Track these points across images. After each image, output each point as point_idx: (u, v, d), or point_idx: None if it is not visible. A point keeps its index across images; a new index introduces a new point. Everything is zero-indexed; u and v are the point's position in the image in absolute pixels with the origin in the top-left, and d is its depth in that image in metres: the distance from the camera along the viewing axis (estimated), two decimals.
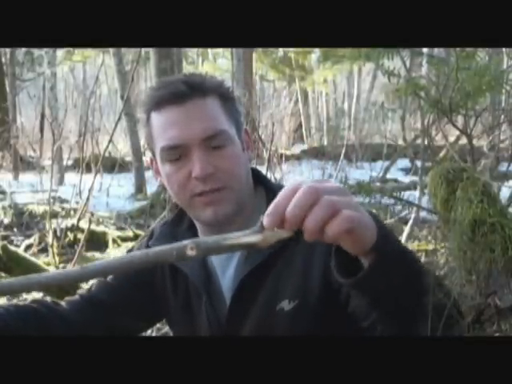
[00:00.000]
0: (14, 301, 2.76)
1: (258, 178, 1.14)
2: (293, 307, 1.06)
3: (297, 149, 11.33)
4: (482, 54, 1.26)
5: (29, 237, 4.69)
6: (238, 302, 1.09)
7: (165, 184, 1.09)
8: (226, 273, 1.11)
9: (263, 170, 4.29)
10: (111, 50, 7.87)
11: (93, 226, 4.25)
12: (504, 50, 3.41)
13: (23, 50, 11.00)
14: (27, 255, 3.34)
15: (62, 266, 4.01)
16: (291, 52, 12.95)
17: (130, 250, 1.27)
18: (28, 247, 4.38)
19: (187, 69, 12.87)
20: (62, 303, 1.18)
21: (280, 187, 1.10)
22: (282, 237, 0.67)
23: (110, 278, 1.20)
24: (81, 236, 3.98)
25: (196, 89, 1.03)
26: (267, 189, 1.13)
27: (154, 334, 2.80)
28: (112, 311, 1.19)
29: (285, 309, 1.06)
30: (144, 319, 1.26)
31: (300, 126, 13.62)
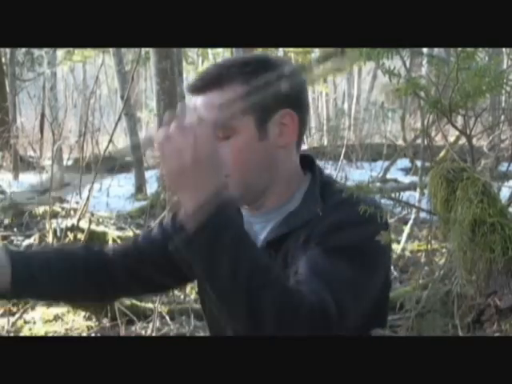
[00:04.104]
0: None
1: (307, 165, 1.16)
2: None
3: None
4: (482, 55, 1.26)
5: (29, 237, 4.68)
6: None
7: None
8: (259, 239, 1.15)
9: None
10: (111, 49, 7.86)
11: (93, 226, 4.24)
12: (504, 50, 3.42)
13: (23, 50, 10.98)
14: None
15: None
16: (291, 52, 12.94)
17: (161, 222, 1.31)
18: (28, 247, 4.37)
19: (187, 69, 12.87)
20: (108, 248, 1.28)
21: (328, 177, 1.16)
22: None
23: (154, 232, 1.27)
24: (81, 236, 3.97)
25: (214, 81, 1.07)
26: (313, 176, 1.15)
27: (153, 334, 2.80)
28: (151, 265, 1.24)
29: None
30: (178, 278, 1.30)
31: None
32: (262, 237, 1.13)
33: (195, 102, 1.09)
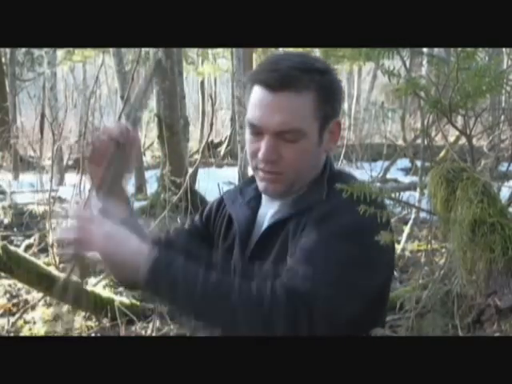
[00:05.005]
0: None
1: (325, 165, 1.22)
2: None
3: None
4: (482, 54, 1.26)
5: (29, 237, 4.68)
6: (257, 252, 1.18)
7: None
8: (263, 224, 1.21)
9: None
10: (111, 49, 7.86)
11: None
12: (504, 49, 3.42)
13: (23, 49, 10.98)
14: (27, 255, 3.33)
15: (61, 266, 4.01)
16: None
17: (202, 210, 1.36)
18: (28, 247, 4.38)
19: (187, 69, 12.86)
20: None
21: (341, 174, 1.22)
22: None
23: (196, 221, 1.33)
24: None
25: (295, 82, 1.09)
26: (325, 168, 1.21)
27: (153, 334, 2.80)
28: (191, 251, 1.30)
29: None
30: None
31: None
32: (268, 217, 1.20)
33: (265, 96, 1.10)
